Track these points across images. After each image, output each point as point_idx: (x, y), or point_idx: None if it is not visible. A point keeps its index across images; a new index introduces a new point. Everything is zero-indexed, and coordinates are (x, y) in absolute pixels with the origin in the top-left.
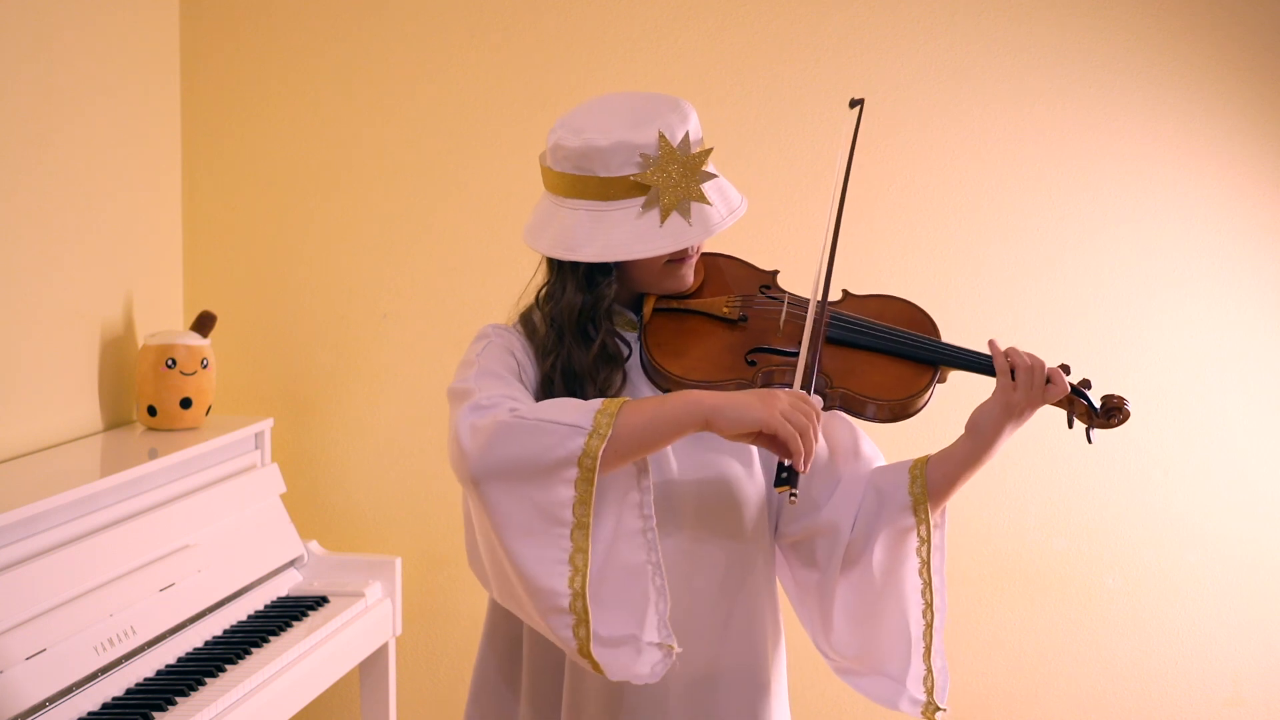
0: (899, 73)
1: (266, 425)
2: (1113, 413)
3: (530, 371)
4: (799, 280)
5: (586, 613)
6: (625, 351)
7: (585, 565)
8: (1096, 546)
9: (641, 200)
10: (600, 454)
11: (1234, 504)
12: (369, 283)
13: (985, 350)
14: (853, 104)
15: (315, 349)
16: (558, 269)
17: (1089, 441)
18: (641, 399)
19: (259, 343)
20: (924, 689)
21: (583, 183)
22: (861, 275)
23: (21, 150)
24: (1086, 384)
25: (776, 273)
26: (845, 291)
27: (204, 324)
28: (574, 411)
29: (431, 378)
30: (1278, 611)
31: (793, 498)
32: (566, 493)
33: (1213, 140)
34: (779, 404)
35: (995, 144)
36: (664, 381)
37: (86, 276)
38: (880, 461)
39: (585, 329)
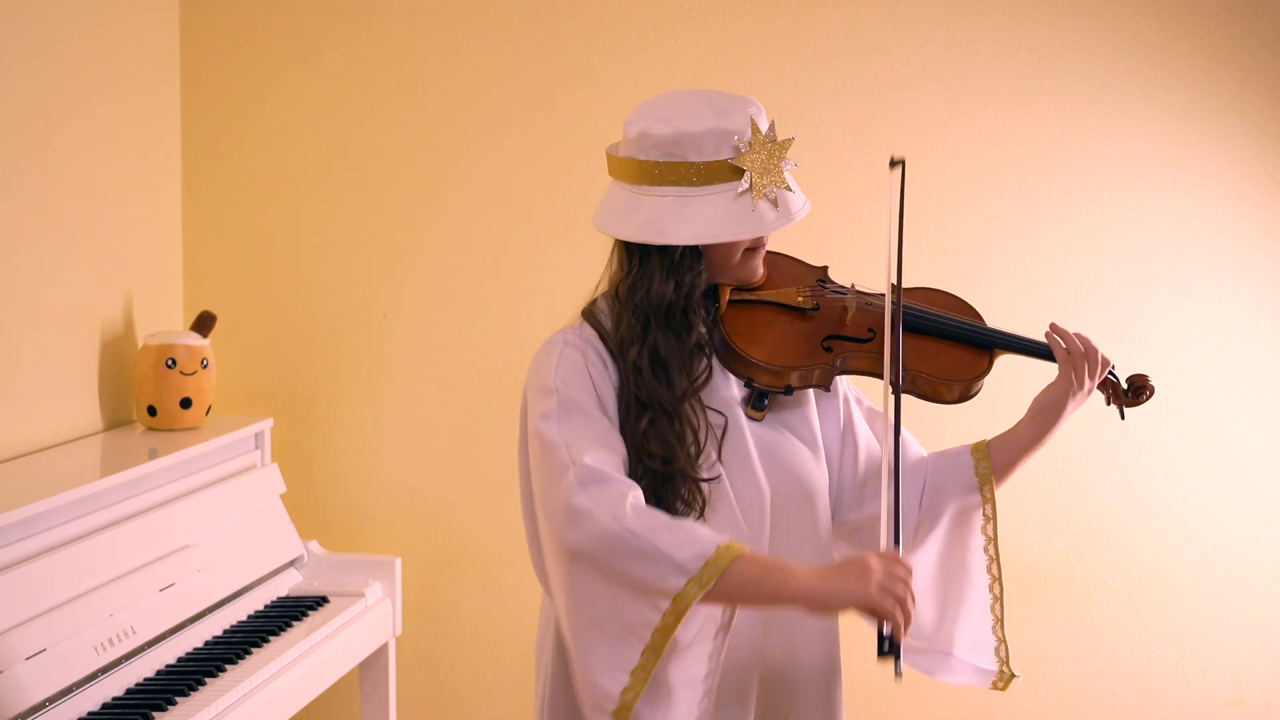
0: (899, 73)
1: (266, 425)
2: (1140, 390)
3: (607, 385)
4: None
5: None
6: (708, 338)
7: (643, 683)
8: (1096, 546)
9: (733, 185)
10: (695, 601)
11: (1234, 504)
12: (369, 283)
13: (1031, 335)
14: (893, 165)
15: (315, 349)
16: (641, 258)
17: (1122, 418)
18: (750, 559)
19: (259, 343)
20: (998, 658)
21: (673, 168)
22: (862, 274)
23: (22, 151)
24: (1112, 364)
25: (826, 268)
26: (894, 285)
27: (204, 324)
28: (686, 547)
29: (431, 378)
30: (1278, 611)
31: (898, 673)
32: (653, 616)
33: (1213, 140)
34: (876, 576)
35: (995, 144)
36: (745, 368)
37: (86, 277)
38: (921, 448)
39: (674, 316)
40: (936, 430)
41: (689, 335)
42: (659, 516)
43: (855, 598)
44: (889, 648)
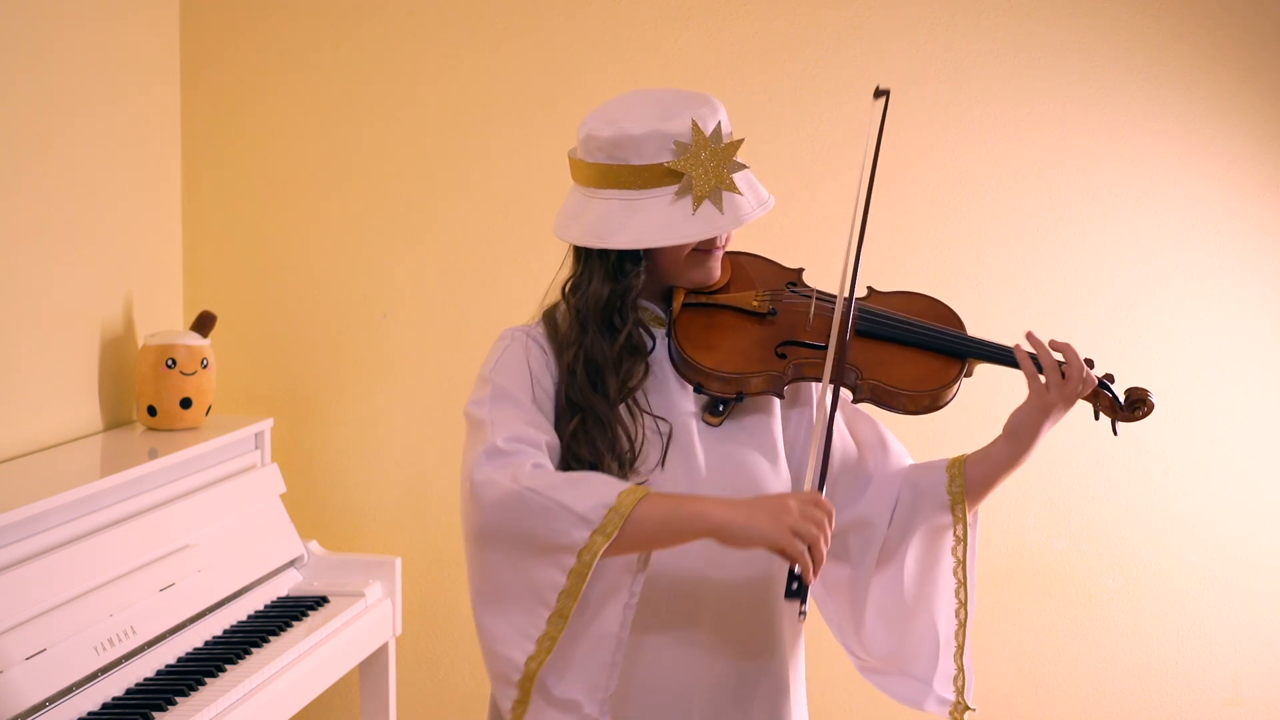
0: (899, 72)
1: (266, 425)
2: (1137, 405)
3: (547, 382)
4: (819, 278)
5: (529, 693)
6: (649, 344)
7: (548, 651)
8: (1096, 546)
9: (674, 188)
10: (600, 552)
11: (1234, 504)
12: (369, 283)
13: (1011, 344)
14: (878, 94)
15: (315, 349)
16: (585, 260)
17: (1114, 434)
18: (657, 498)
19: (259, 343)
20: (954, 688)
21: (615, 172)
22: (863, 275)
23: (22, 151)
24: (1110, 378)
25: (801, 270)
26: (870, 288)
27: (204, 324)
28: (587, 498)
29: (431, 378)
30: (1278, 611)
31: (802, 615)
32: (558, 578)
33: (1213, 140)
34: (789, 518)
35: (995, 144)
36: (694, 374)
37: (86, 277)
38: (906, 457)
39: (610, 319)
40: (931, 436)
41: (621, 338)
42: (562, 474)
43: (766, 537)
44: (795, 590)
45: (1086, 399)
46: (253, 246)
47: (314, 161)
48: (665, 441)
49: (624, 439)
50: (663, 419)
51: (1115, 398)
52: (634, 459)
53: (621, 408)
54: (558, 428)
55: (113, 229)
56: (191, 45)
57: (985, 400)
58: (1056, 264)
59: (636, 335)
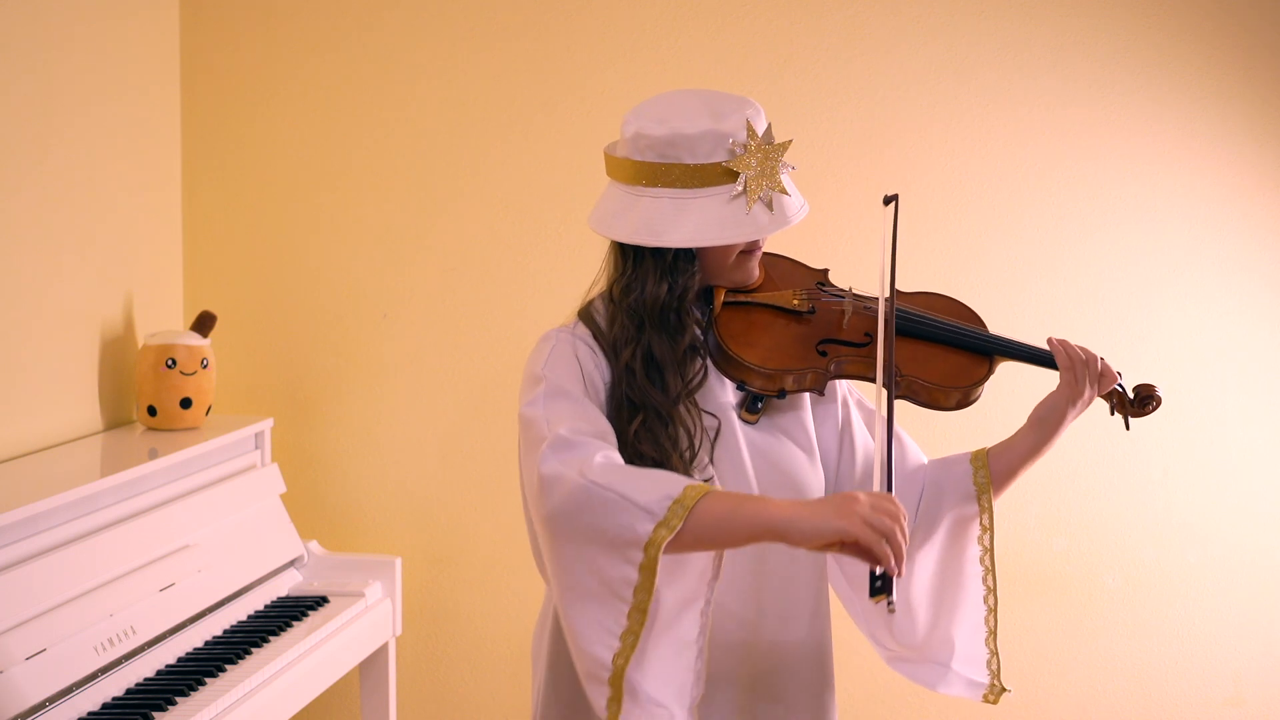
0: (899, 72)
1: (266, 425)
2: (1146, 400)
3: (598, 378)
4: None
5: (621, 691)
6: (703, 340)
7: (633, 647)
8: (1096, 546)
9: (728, 188)
10: (664, 545)
11: (1234, 504)
12: (369, 283)
13: (1032, 342)
14: (887, 201)
15: (315, 349)
16: (635, 259)
17: (1127, 429)
18: (721, 494)
19: (259, 343)
20: (989, 671)
21: (667, 170)
22: (864, 273)
23: (22, 151)
24: (1119, 375)
25: (827, 270)
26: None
27: (204, 324)
28: (651, 491)
29: (431, 377)
30: (1278, 611)
31: (891, 607)
32: (630, 573)
33: (1213, 140)
34: (859, 509)
35: (995, 143)
36: (738, 371)
37: (86, 277)
38: (922, 454)
39: (667, 318)
40: (935, 435)
41: (682, 337)
42: (629, 468)
43: (838, 530)
44: (880, 586)
45: (1103, 396)
46: (253, 246)
47: (314, 161)
48: (713, 437)
49: (684, 436)
50: (711, 415)
51: (1126, 393)
52: (694, 455)
53: (680, 405)
54: (616, 426)
55: (113, 229)
56: (191, 45)
57: (986, 399)
58: (1056, 263)
59: (694, 334)
